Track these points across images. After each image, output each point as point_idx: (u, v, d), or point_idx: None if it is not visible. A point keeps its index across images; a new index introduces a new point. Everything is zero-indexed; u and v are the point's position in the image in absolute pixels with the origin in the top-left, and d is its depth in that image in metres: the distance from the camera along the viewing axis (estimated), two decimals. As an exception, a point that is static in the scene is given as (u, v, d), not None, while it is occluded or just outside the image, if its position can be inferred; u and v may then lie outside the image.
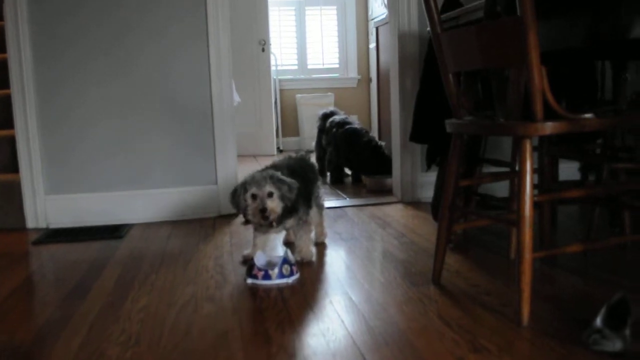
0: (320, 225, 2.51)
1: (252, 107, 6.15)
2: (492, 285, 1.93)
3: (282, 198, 2.03)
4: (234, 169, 3.18)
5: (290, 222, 2.18)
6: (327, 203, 3.13)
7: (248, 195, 2.02)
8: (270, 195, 2.01)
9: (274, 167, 2.23)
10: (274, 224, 2.06)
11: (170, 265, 2.30)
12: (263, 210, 2.00)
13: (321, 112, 4.59)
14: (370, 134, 4.21)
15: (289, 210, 2.12)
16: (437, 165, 2.64)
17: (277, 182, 2.02)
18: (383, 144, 4.10)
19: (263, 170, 2.12)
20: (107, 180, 3.05)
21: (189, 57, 3.04)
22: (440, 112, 2.46)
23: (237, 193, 2.04)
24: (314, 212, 2.43)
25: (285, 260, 2.03)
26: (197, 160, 3.12)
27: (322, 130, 4.47)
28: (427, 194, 3.25)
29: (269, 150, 6.14)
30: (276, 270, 2.00)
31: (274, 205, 2.02)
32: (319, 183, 2.46)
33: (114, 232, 2.83)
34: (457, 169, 1.89)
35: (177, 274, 2.18)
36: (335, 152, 4.21)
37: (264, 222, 2.04)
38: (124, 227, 2.93)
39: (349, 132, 4.14)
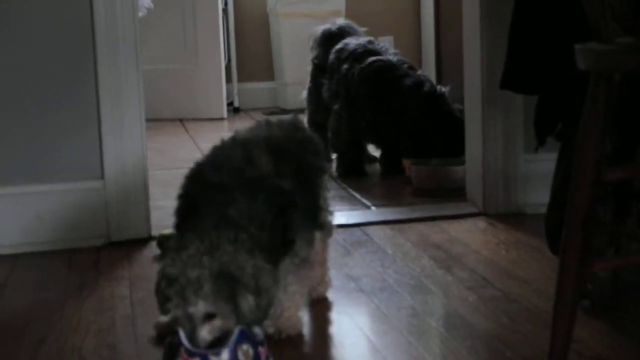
0: (321, 262, 2.54)
1: (177, 23, 6.13)
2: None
3: (239, 313, 2.02)
4: (140, 148, 3.21)
5: (281, 266, 2.21)
6: (335, 217, 3.13)
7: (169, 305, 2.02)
8: (210, 317, 2.00)
9: (240, 142, 2.24)
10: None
11: (2, 350, 2.30)
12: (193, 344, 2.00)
13: (321, 29, 4.63)
14: (421, 73, 4.23)
15: (283, 247, 2.16)
16: (557, 139, 2.64)
17: (226, 286, 2.00)
18: (446, 90, 4.09)
19: (198, 232, 2.06)
20: None
21: None
22: (563, 29, 2.47)
23: (157, 285, 2.05)
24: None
25: (243, 335, 2.02)
26: (63, 133, 3.16)
27: (321, 68, 4.51)
28: (537, 198, 3.25)
29: (214, 109, 6.15)
30: (225, 354, 1.99)
31: (214, 336, 2.01)
32: (325, 178, 2.49)
33: None
34: (600, 147, 1.90)
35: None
36: (350, 112, 4.25)
37: None
38: None
39: (377, 71, 4.18)
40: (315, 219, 2.35)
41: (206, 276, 1.97)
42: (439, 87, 4.15)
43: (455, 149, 3.85)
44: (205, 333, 1.99)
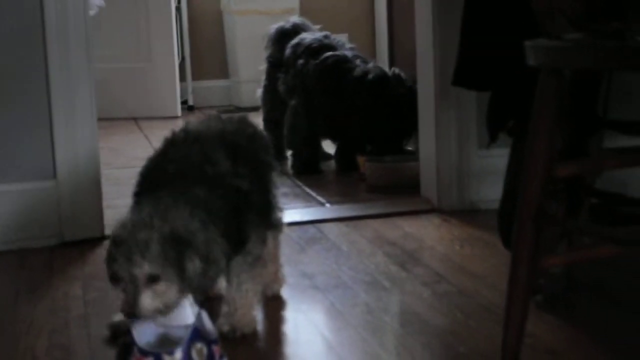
0: (273, 259, 2.54)
1: (129, 20, 6.09)
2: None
3: (185, 278, 2.02)
4: (92, 147, 3.20)
5: (234, 264, 2.22)
6: (288, 214, 3.11)
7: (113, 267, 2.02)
8: (154, 279, 2.00)
9: (193, 137, 2.23)
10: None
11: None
12: (133, 314, 1.99)
13: (275, 27, 4.62)
14: (373, 64, 4.24)
15: (236, 246, 2.16)
16: (509, 134, 2.65)
17: (175, 250, 2.00)
18: (399, 72, 4.11)
19: (152, 199, 2.07)
20: None
21: None
22: (513, 26, 2.48)
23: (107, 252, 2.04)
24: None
25: (196, 334, 2.01)
26: (14, 132, 3.15)
27: (276, 63, 4.50)
28: (491, 193, 3.27)
29: (168, 107, 6.12)
30: (178, 353, 1.98)
31: (158, 303, 2.01)
32: (275, 175, 2.49)
33: None
34: (551, 141, 1.91)
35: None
36: (306, 107, 4.25)
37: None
38: None
39: (331, 65, 4.18)
40: (268, 217, 2.34)
41: (155, 238, 1.97)
42: (392, 69, 4.16)
43: (404, 131, 3.90)
44: (148, 298, 1.98)
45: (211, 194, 2.10)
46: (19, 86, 3.13)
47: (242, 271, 2.24)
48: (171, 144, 2.26)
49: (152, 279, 1.98)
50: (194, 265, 2.00)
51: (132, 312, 1.99)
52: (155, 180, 2.16)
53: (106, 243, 3.01)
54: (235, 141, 2.28)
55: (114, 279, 2.02)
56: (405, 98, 3.95)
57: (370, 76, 4.05)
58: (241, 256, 2.22)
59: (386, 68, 5.00)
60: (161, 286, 1.99)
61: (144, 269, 1.97)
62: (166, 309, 2.02)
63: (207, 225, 2.04)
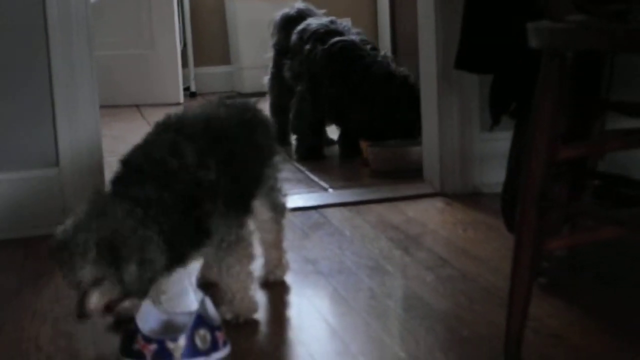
0: (276, 245, 2.54)
1: (131, 7, 6.09)
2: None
3: (123, 280, 2.04)
4: (95, 135, 3.20)
5: (206, 249, 2.21)
6: (291, 199, 3.12)
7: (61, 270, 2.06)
8: (97, 281, 2.03)
9: (175, 124, 2.24)
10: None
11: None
12: (80, 315, 2.04)
13: (280, 14, 4.62)
14: (382, 53, 4.24)
15: (199, 236, 2.16)
16: (511, 117, 2.65)
17: (109, 255, 2.01)
18: (409, 73, 4.11)
19: (94, 198, 2.10)
20: None
21: None
22: (515, 8, 2.49)
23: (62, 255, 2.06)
24: (265, 218, 2.47)
25: (200, 320, 2.03)
26: (16, 121, 3.15)
27: (282, 50, 4.50)
28: (494, 177, 3.26)
29: (170, 94, 6.12)
30: (182, 340, 2.00)
31: (103, 301, 2.04)
32: (277, 159, 2.49)
33: None
34: (554, 124, 1.91)
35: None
36: (312, 93, 4.25)
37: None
38: None
39: (339, 51, 4.18)
40: (245, 203, 2.32)
41: (92, 240, 2.00)
42: (400, 68, 4.17)
43: (403, 127, 3.93)
44: (92, 299, 2.02)
45: (162, 190, 2.10)
46: (21, 74, 3.13)
47: (226, 255, 2.24)
48: (153, 131, 2.27)
49: (96, 281, 2.02)
50: (128, 272, 2.02)
51: (79, 313, 2.04)
52: (120, 173, 2.18)
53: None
54: (222, 127, 2.28)
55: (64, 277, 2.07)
56: (406, 96, 3.99)
57: (375, 70, 4.06)
58: (214, 245, 2.22)
59: (389, 52, 5.01)
60: (106, 285, 2.02)
61: (84, 272, 2.01)
62: (116, 307, 2.06)
63: (147, 224, 2.05)
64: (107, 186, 2.19)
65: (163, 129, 2.25)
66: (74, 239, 2.01)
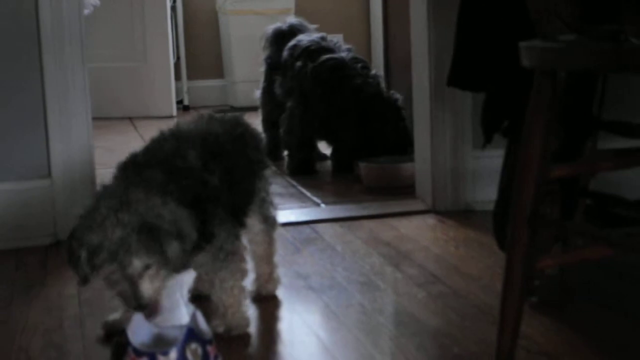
0: (267, 259, 2.54)
1: (125, 20, 6.09)
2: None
3: (168, 262, 2.05)
4: (87, 147, 3.21)
5: (201, 258, 2.20)
6: (282, 214, 3.12)
7: (100, 272, 2.04)
8: (146, 268, 2.03)
9: (174, 135, 2.25)
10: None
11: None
12: (140, 306, 2.04)
13: (272, 28, 4.63)
14: (373, 72, 4.25)
15: (200, 239, 2.15)
16: (503, 135, 2.65)
17: (151, 238, 2.02)
18: (398, 96, 4.13)
19: (119, 190, 2.08)
20: None
21: None
22: (508, 27, 2.48)
23: (75, 256, 2.05)
24: (256, 231, 2.48)
25: (191, 334, 2.02)
26: (9, 131, 3.16)
27: (274, 65, 4.51)
28: (486, 194, 3.27)
29: (163, 107, 6.12)
30: (173, 354, 1.98)
31: (156, 285, 2.05)
32: (268, 172, 2.50)
33: None
34: (546, 143, 1.91)
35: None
36: (302, 110, 4.26)
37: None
38: None
39: (330, 69, 4.19)
40: (242, 218, 2.34)
41: (129, 233, 1.99)
42: (390, 91, 4.20)
43: (408, 146, 3.91)
44: (146, 287, 2.03)
45: (173, 180, 2.11)
46: (14, 85, 3.13)
47: (220, 268, 2.25)
48: (152, 141, 2.28)
49: (144, 269, 2.02)
50: (172, 247, 2.03)
51: (140, 304, 2.03)
52: (122, 170, 2.19)
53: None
54: (216, 141, 2.29)
55: (85, 280, 2.06)
56: (394, 118, 4.05)
57: (364, 92, 4.09)
58: (212, 252, 2.23)
59: (381, 71, 5.02)
60: (152, 270, 2.03)
61: (134, 265, 2.00)
62: (157, 296, 2.07)
63: (168, 202, 2.06)
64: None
65: (163, 138, 2.27)
66: (110, 237, 2.00)
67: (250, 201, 2.39)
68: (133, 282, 2.02)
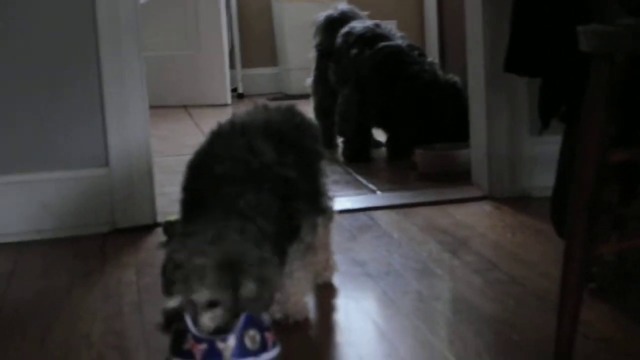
0: (324, 247, 2.55)
1: (179, 9, 6.13)
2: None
3: (240, 302, 2.02)
4: (144, 135, 3.24)
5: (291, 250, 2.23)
6: (339, 201, 3.12)
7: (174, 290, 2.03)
8: (210, 305, 2.02)
9: (239, 129, 2.24)
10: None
11: (9, 338, 2.31)
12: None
13: (323, 15, 4.63)
14: (429, 59, 4.24)
15: (289, 234, 2.18)
16: (561, 121, 2.64)
17: (226, 273, 2.01)
18: (456, 79, 4.11)
19: (204, 220, 2.08)
20: None
21: None
22: (565, 11, 2.47)
23: (164, 265, 2.06)
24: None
25: (249, 321, 2.03)
26: (67, 121, 3.19)
27: (325, 52, 4.52)
28: (543, 181, 3.25)
29: (218, 95, 6.14)
30: (231, 340, 2.00)
31: (217, 322, 2.01)
32: (324, 163, 2.50)
33: None
34: (604, 128, 1.90)
35: (25, 357, 2.19)
36: (358, 97, 4.26)
37: None
38: None
39: (387, 56, 4.19)
40: (317, 204, 2.36)
41: (210, 265, 1.98)
42: (449, 75, 4.19)
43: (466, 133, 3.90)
44: (207, 320, 2.00)
45: (259, 192, 2.11)
46: (71, 75, 3.17)
47: (295, 258, 2.26)
48: (217, 136, 2.28)
49: (210, 304, 2.00)
50: (248, 289, 2.01)
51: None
52: (203, 182, 2.18)
53: (158, 230, 3.14)
54: (281, 131, 2.30)
55: (169, 293, 2.05)
56: (453, 104, 4.02)
57: (421, 79, 4.08)
58: (295, 244, 2.24)
59: (436, 58, 5.00)
60: (219, 310, 2.00)
61: (202, 295, 1.99)
62: (225, 327, 2.03)
63: (260, 244, 2.05)
64: (186, 193, 2.19)
65: (228, 132, 2.27)
66: (191, 260, 1.99)
67: (319, 191, 2.40)
68: (195, 311, 2.01)
